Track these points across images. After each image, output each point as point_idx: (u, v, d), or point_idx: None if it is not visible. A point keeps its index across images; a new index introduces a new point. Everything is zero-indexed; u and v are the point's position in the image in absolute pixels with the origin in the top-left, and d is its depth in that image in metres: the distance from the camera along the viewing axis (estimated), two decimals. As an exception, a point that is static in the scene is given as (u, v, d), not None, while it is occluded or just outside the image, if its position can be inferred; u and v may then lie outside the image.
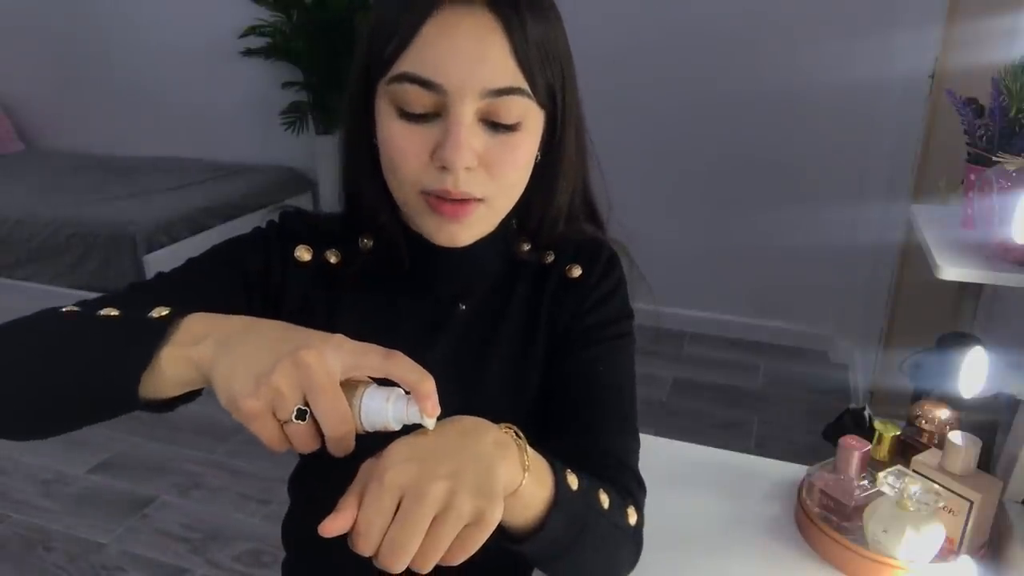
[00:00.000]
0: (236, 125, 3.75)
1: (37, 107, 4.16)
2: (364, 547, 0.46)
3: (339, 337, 0.50)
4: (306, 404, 0.47)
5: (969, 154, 1.26)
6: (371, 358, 0.49)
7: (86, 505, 2.13)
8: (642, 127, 2.99)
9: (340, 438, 0.48)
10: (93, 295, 2.52)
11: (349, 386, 0.49)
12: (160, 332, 0.52)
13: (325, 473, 0.51)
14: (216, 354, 0.49)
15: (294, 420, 0.47)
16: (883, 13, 2.52)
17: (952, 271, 1.12)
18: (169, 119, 3.87)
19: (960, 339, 1.01)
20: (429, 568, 0.47)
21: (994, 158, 1.17)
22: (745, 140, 2.88)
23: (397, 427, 0.49)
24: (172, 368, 0.51)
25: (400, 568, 0.46)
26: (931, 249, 1.19)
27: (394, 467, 0.47)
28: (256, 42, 3.44)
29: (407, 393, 0.49)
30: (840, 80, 2.62)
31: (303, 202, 3.61)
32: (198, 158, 3.80)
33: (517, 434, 0.54)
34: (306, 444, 0.48)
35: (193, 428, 2.45)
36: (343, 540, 0.47)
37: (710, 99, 2.88)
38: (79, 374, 0.53)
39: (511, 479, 0.51)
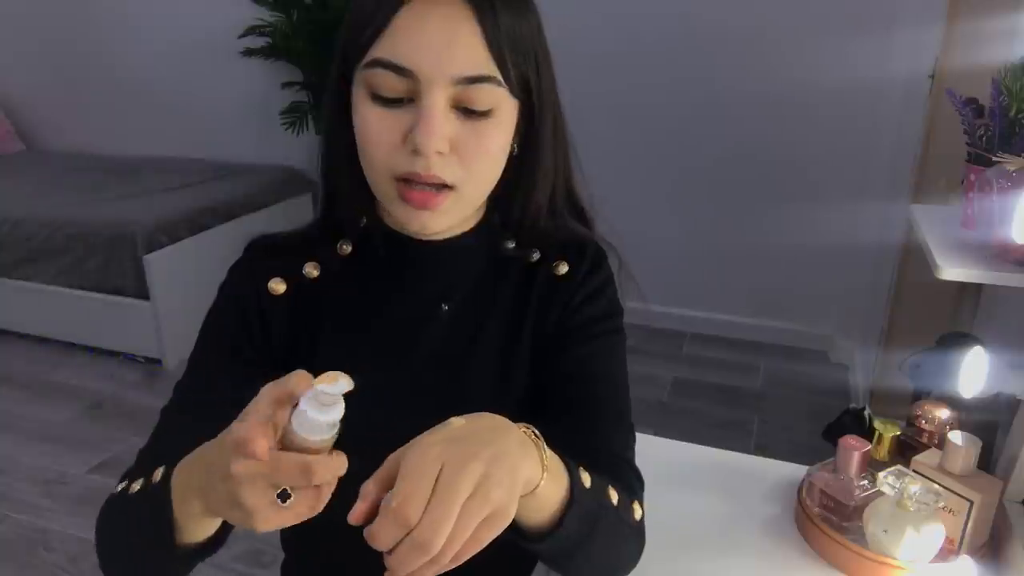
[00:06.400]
0: (236, 125, 3.74)
1: (37, 107, 4.16)
2: (411, 513, 0.44)
3: (233, 425, 0.49)
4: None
5: (969, 154, 1.25)
6: (260, 404, 0.49)
7: (86, 505, 2.13)
8: (642, 127, 2.99)
9: (303, 472, 0.46)
10: (93, 295, 2.53)
11: (288, 438, 0.48)
12: (165, 502, 0.56)
13: None
14: (207, 505, 0.53)
15: (283, 504, 0.47)
16: (883, 13, 2.51)
17: (952, 271, 1.12)
18: (169, 119, 3.87)
19: (960, 339, 1.01)
20: (451, 554, 0.46)
21: (994, 158, 1.16)
22: (745, 140, 2.88)
23: (336, 415, 0.47)
24: (188, 523, 0.56)
25: (436, 547, 0.45)
26: (931, 249, 1.19)
27: (437, 444, 0.47)
28: (256, 42, 3.44)
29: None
30: (840, 80, 2.62)
31: (303, 202, 3.60)
32: (198, 158, 3.80)
33: (535, 434, 0.55)
34: (316, 501, 0.48)
35: (193, 428, 2.45)
36: (342, 542, 0.47)
37: (710, 98, 2.88)
38: (148, 555, 0.61)
39: (531, 478, 0.52)
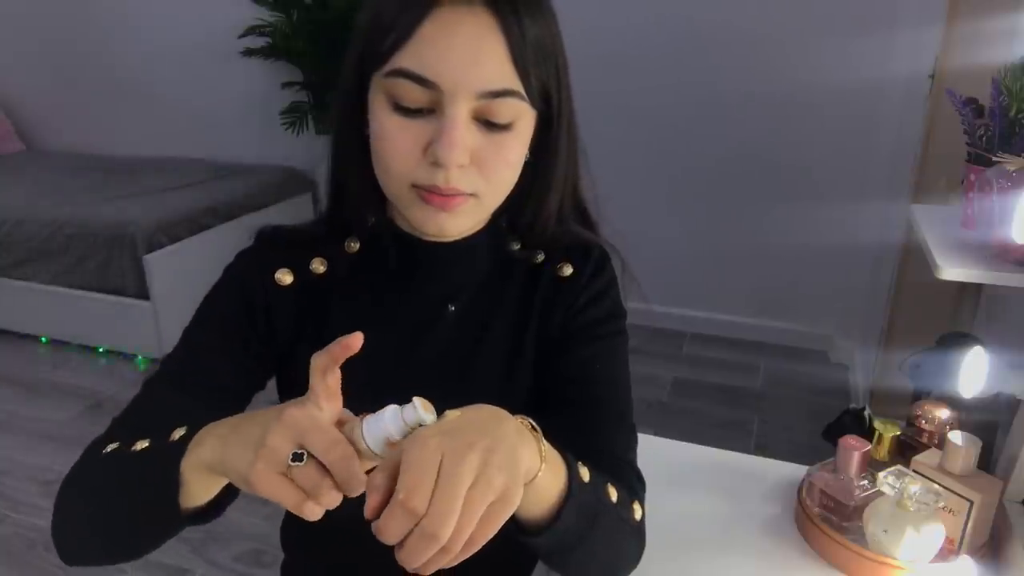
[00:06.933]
0: (236, 125, 3.74)
1: (37, 107, 4.16)
2: (418, 504, 0.45)
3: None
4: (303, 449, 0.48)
5: (969, 154, 1.25)
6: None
7: (86, 505, 2.13)
8: (642, 127, 2.99)
9: (339, 463, 0.47)
10: (93, 295, 2.53)
11: (348, 426, 0.50)
12: (179, 453, 0.54)
13: None
14: (220, 449, 0.52)
15: (291, 463, 0.47)
16: (883, 13, 2.51)
17: (952, 271, 1.12)
18: (169, 119, 3.87)
19: (960, 339, 1.01)
20: (461, 542, 0.46)
21: (994, 158, 1.16)
22: (746, 140, 2.88)
23: (401, 436, 0.49)
24: (193, 476, 0.54)
25: (445, 536, 0.45)
26: (931, 249, 1.18)
27: (435, 436, 0.47)
28: (256, 42, 3.44)
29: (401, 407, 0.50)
30: (840, 80, 2.62)
31: (303, 202, 3.61)
32: (198, 158, 3.80)
33: (533, 426, 0.55)
34: (316, 485, 0.47)
35: (193, 428, 2.45)
36: (342, 543, 0.47)
37: (711, 99, 2.88)
38: (138, 515, 0.59)
39: (530, 466, 0.52)
